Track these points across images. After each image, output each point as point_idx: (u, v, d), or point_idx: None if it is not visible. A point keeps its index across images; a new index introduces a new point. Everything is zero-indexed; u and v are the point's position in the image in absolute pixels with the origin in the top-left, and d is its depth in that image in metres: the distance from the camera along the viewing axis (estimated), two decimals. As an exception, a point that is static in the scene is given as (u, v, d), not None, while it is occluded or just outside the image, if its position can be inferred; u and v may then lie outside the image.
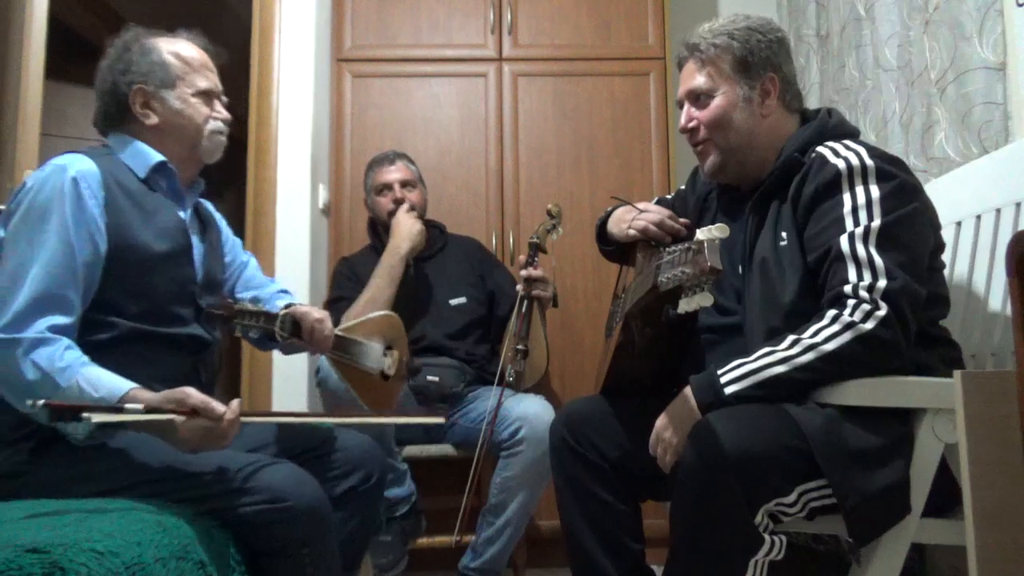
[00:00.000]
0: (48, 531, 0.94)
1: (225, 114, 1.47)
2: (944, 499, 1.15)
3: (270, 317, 1.43)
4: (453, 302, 2.33)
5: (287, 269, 2.50)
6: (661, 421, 1.29)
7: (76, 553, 0.88)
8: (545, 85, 2.76)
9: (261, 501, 1.16)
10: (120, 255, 1.29)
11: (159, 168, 1.39)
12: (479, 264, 2.45)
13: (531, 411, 2.06)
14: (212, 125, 1.44)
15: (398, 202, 2.33)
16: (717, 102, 1.40)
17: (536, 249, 2.23)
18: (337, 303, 2.29)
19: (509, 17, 2.77)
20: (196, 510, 1.16)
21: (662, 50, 2.76)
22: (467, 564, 2.13)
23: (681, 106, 1.47)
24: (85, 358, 1.20)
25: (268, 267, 2.48)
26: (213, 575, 1.08)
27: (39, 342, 1.17)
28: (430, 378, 2.17)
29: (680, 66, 1.48)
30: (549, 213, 2.29)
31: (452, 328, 2.28)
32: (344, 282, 2.36)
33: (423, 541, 2.22)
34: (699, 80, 1.42)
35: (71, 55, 3.44)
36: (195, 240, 1.45)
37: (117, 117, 1.40)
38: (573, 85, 2.75)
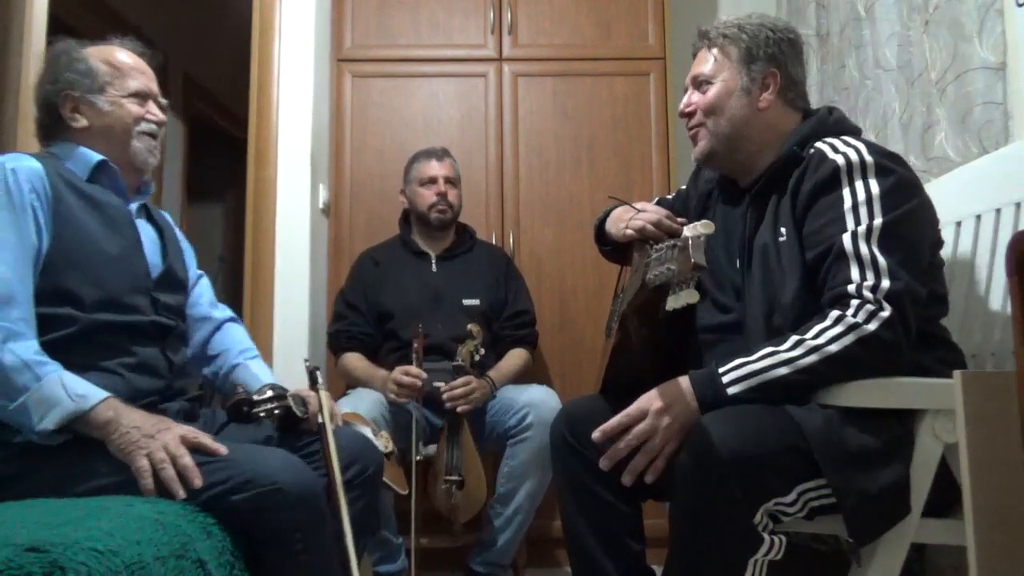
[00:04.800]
0: (48, 530, 0.94)
1: (159, 116, 1.49)
2: (944, 499, 1.15)
3: (280, 396, 1.41)
4: (467, 302, 2.35)
5: (287, 269, 2.50)
6: (651, 395, 1.27)
7: (76, 552, 0.88)
8: (545, 85, 2.76)
9: (252, 487, 1.15)
10: (70, 245, 1.32)
11: (101, 168, 1.42)
12: (501, 272, 2.47)
13: (537, 397, 2.10)
14: (143, 126, 1.46)
15: (441, 195, 2.39)
16: (715, 88, 1.42)
17: (459, 371, 2.15)
18: (341, 332, 2.35)
19: (509, 17, 2.77)
20: (190, 501, 1.15)
21: (662, 50, 2.76)
22: (475, 557, 2.14)
23: (686, 92, 1.50)
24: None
25: (268, 267, 2.48)
26: (212, 573, 1.08)
27: (15, 333, 1.20)
28: (436, 384, 2.19)
29: (694, 55, 1.51)
30: (470, 334, 2.22)
31: (459, 329, 2.28)
32: (353, 292, 2.40)
33: (424, 541, 2.22)
34: (703, 66, 1.45)
35: (71, 55, 3.43)
36: (147, 235, 1.48)
37: (52, 126, 1.44)
38: (573, 85, 2.75)
